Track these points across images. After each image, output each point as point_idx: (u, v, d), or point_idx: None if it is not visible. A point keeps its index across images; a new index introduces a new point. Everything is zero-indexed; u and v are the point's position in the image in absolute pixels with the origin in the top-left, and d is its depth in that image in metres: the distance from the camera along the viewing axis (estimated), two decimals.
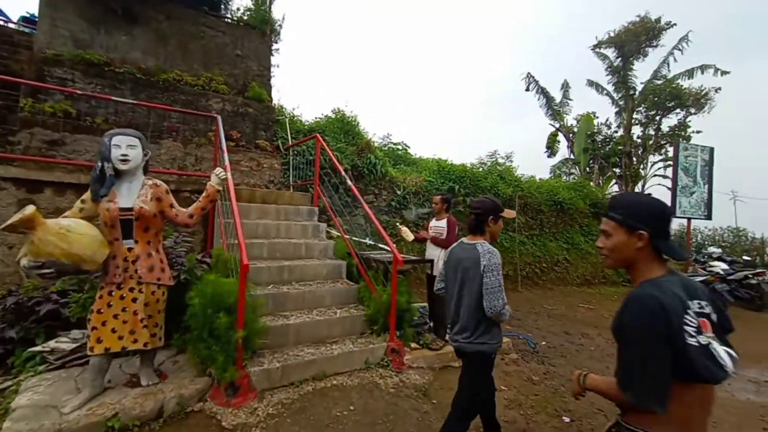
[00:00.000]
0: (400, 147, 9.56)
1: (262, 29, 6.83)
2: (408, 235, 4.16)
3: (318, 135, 5.50)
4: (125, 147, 2.45)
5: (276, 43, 7.46)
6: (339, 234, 4.81)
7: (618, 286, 9.02)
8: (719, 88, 12.75)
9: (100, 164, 2.39)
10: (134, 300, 2.43)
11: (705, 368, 1.00)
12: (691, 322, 1.02)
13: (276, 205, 5.11)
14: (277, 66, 7.86)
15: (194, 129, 5.68)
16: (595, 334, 5.15)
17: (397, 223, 4.28)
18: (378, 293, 3.72)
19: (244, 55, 6.68)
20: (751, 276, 7.50)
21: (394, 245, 3.80)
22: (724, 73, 12.63)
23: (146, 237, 2.53)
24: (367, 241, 4.78)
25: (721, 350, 1.04)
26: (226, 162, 3.78)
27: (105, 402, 2.31)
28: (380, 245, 4.68)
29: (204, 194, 2.80)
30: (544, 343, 4.63)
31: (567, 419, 2.86)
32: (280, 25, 7.24)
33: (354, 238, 4.70)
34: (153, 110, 5.15)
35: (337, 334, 3.53)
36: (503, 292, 2.00)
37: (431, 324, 4.06)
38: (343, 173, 4.75)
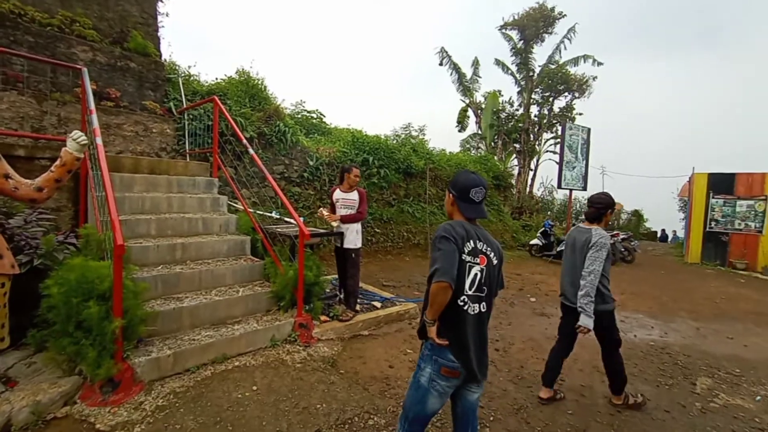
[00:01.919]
0: (314, 115, 9.15)
1: None
2: (333, 218, 3.99)
3: (216, 98, 4.93)
4: None
5: None
6: (242, 207, 4.46)
7: (514, 250, 10.18)
8: (596, 77, 14.72)
9: None
10: None
11: (460, 272, 1.51)
12: (468, 245, 1.54)
13: (168, 175, 4.52)
14: (167, 15, 6.73)
15: (53, 82, 4.62)
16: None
17: (320, 209, 4.08)
18: (284, 269, 3.58)
19: None
20: (611, 237, 9.09)
21: (301, 218, 3.66)
22: (599, 63, 14.56)
23: None
24: (273, 214, 4.53)
25: (474, 272, 1.55)
26: (95, 124, 3.16)
27: None
28: (287, 219, 4.48)
29: (58, 162, 2.27)
30: None
31: None
32: None
33: (258, 212, 4.42)
34: None
35: (239, 314, 3.34)
36: (601, 266, 2.56)
37: (341, 296, 4.09)
38: (244, 141, 4.36)
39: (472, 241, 1.55)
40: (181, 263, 3.54)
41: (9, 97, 4.10)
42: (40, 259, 2.67)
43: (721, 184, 10.03)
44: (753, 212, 9.58)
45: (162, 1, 6.47)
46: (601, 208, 2.71)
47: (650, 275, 8.22)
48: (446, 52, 15.66)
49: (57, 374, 2.37)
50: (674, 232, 17.57)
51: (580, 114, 15.22)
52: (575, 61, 14.78)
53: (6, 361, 2.32)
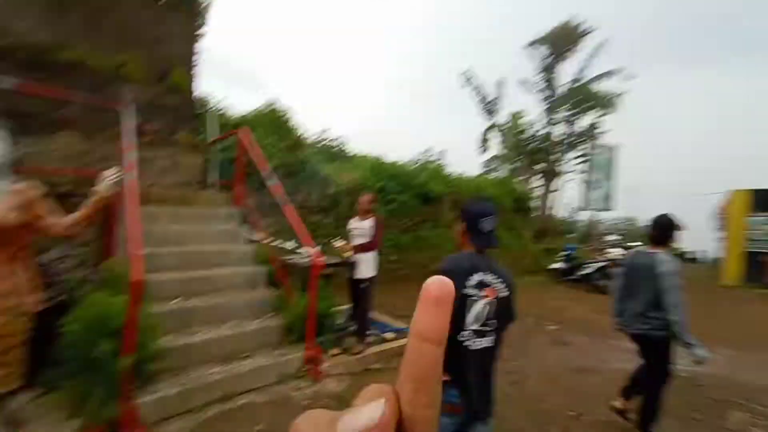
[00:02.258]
0: (335, 144, 9.42)
1: (187, 8, 6.15)
2: (346, 249, 4.05)
3: (242, 130, 5.18)
4: None
5: (202, 26, 6.84)
6: (260, 238, 4.59)
7: (535, 275, 9.80)
8: (625, 92, 14.31)
9: None
10: None
11: (459, 306, 1.47)
12: (473, 279, 1.50)
13: (191, 208, 4.74)
14: (205, 51, 7.22)
15: (100, 120, 5.01)
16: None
17: (333, 242, 4.14)
18: (296, 300, 3.62)
19: (165, 37, 6.00)
20: None
21: (317, 248, 3.70)
22: (631, 77, 14.18)
23: (4, 253, 2.16)
24: (291, 244, 4.62)
25: (478, 307, 1.49)
26: (131, 159, 3.38)
27: None
28: (301, 249, 4.56)
29: (89, 200, 2.45)
30: None
31: None
32: (208, 5, 6.62)
33: (276, 242, 4.53)
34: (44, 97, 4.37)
35: (249, 348, 3.37)
36: (677, 291, 2.42)
37: (353, 328, 4.06)
38: (268, 171, 4.52)
39: (477, 274, 1.52)
40: (198, 295, 3.64)
41: (62, 137, 4.46)
42: (63, 294, 2.84)
43: (763, 200, 9.34)
44: None
45: (198, 41, 6.96)
46: (667, 230, 2.58)
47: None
48: (470, 74, 15.81)
49: (63, 416, 2.40)
50: (705, 252, 16.52)
51: (609, 131, 14.78)
52: (604, 76, 14.47)
53: (19, 401, 2.40)
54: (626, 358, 4.21)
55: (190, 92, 6.12)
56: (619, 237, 10.64)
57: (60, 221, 2.30)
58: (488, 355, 1.55)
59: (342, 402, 3.05)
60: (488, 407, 1.57)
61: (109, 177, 2.46)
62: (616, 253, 8.72)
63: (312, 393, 3.13)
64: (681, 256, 17.33)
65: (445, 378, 1.49)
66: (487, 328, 1.52)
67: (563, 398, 3.27)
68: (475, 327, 1.49)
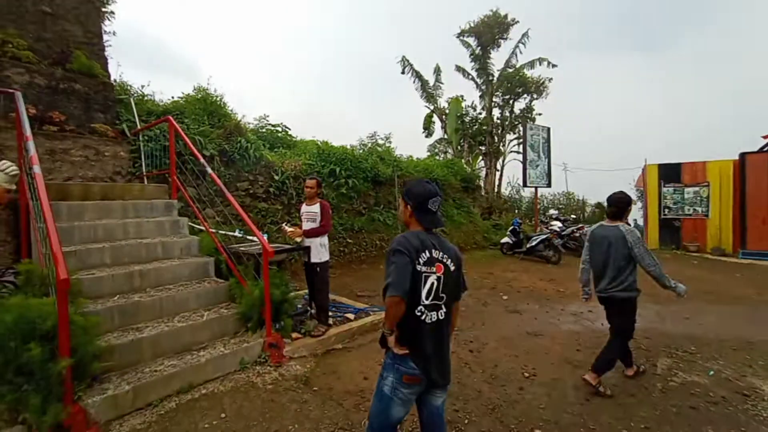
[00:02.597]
0: (279, 129, 9.03)
1: None
2: (296, 234, 3.97)
3: (170, 117, 4.78)
4: None
5: (108, 4, 6.14)
6: (204, 228, 4.32)
7: (486, 250, 10.39)
8: (551, 79, 15.42)
9: None
10: None
11: (413, 282, 1.52)
12: (424, 257, 1.56)
13: (123, 200, 4.33)
14: (113, 33, 6.47)
15: None
16: (464, 295, 5.82)
17: (283, 224, 4.05)
18: (250, 288, 3.48)
19: (59, 14, 5.31)
20: (575, 230, 9.46)
21: (265, 236, 3.58)
22: (553, 65, 15.28)
23: None
24: (236, 233, 4.41)
25: (430, 283, 1.57)
26: (32, 152, 2.98)
27: None
28: (250, 237, 4.38)
29: None
30: None
31: None
32: None
33: (221, 232, 4.29)
34: None
35: (205, 339, 3.20)
36: (648, 251, 2.84)
37: (313, 311, 4.02)
38: (202, 160, 4.24)
39: (427, 251, 1.57)
40: (140, 291, 3.37)
41: None
42: None
43: (670, 173, 10.73)
44: (699, 198, 10.29)
45: (108, 20, 6.25)
46: (622, 206, 3.01)
47: None
48: (408, 61, 15.97)
49: (2, 424, 2.18)
50: (635, 221, 18.57)
51: (540, 114, 15.88)
52: (531, 64, 15.44)
53: None
54: (571, 321, 4.67)
55: (104, 77, 5.50)
56: (557, 211, 11.61)
57: None
58: (443, 326, 1.63)
59: (308, 383, 3.02)
60: (446, 375, 1.66)
61: (6, 170, 2.16)
62: (556, 225, 9.50)
63: (276, 377, 3.06)
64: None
65: (404, 351, 1.56)
66: (440, 302, 1.60)
67: (518, 361, 3.52)
68: (428, 302, 1.56)
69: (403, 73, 16.08)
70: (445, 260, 1.62)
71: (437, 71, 16.42)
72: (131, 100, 5.95)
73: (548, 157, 12.00)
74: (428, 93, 16.36)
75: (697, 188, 10.30)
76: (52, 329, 2.21)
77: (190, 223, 4.52)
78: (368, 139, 10.71)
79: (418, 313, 1.55)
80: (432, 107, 16.63)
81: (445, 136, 16.92)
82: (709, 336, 4.09)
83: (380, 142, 10.48)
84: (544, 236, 8.81)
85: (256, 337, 3.34)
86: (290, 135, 9.11)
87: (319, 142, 8.37)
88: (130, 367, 2.77)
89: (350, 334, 3.96)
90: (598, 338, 4.05)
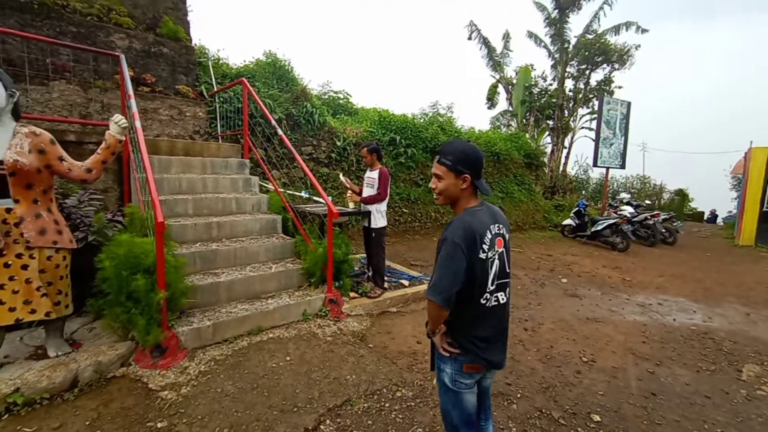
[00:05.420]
0: (341, 95, 9.10)
1: None
2: (353, 199, 4.11)
3: (244, 80, 5.00)
4: None
5: None
6: (273, 188, 4.58)
7: (545, 231, 9.90)
8: (638, 46, 13.61)
9: None
10: (24, 267, 2.13)
11: (481, 273, 1.36)
12: (487, 241, 1.36)
13: (201, 157, 4.69)
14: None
15: (96, 70, 4.83)
16: (522, 275, 5.65)
17: (340, 174, 4.19)
18: (314, 246, 3.68)
19: None
20: (648, 217, 8.62)
21: (329, 198, 3.72)
22: (644, 30, 13.43)
23: (31, 195, 2.17)
24: (303, 194, 4.62)
25: (496, 265, 1.40)
26: (133, 109, 3.31)
27: (1, 378, 2.09)
28: (316, 198, 4.57)
29: (103, 145, 2.43)
30: None
31: None
32: None
33: (289, 192, 4.52)
34: (34, 43, 4.23)
35: (272, 289, 3.48)
36: None
37: (370, 273, 4.16)
38: (273, 122, 4.43)
39: (489, 232, 1.38)
40: (216, 241, 3.71)
41: (58, 86, 4.35)
42: (94, 235, 2.88)
43: None
44: None
45: None
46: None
47: (694, 258, 7.77)
48: (475, 26, 14.99)
49: (114, 339, 2.61)
50: (729, 212, 16.42)
51: (620, 87, 14.25)
52: (616, 30, 13.72)
53: (71, 326, 2.56)
54: (638, 311, 4.36)
55: (186, 41, 5.86)
56: (630, 195, 10.60)
57: (78, 164, 2.32)
58: (506, 307, 1.48)
59: (364, 340, 3.18)
60: (504, 357, 1.51)
61: (119, 122, 2.43)
62: (627, 210, 8.72)
63: (335, 330, 3.27)
64: (699, 216, 17.35)
65: (455, 351, 1.43)
66: (504, 281, 1.44)
67: (575, 345, 3.39)
68: (493, 287, 1.40)
69: (470, 38, 15.17)
70: (502, 231, 1.44)
71: (506, 37, 15.26)
72: (209, 63, 6.30)
73: (625, 135, 10.84)
74: (495, 61, 15.34)
75: None
76: (152, 265, 2.53)
77: (259, 182, 4.81)
78: (429, 109, 10.43)
79: (484, 301, 1.39)
80: (498, 77, 15.64)
81: (510, 108, 15.94)
82: None
83: (441, 112, 10.15)
84: (612, 221, 8.16)
85: (317, 292, 3.56)
86: (351, 102, 9.15)
87: (380, 110, 8.32)
88: (209, 306, 3.11)
89: (404, 300, 4.06)
90: (668, 333, 3.77)
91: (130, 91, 3.59)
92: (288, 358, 2.77)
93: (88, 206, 3.24)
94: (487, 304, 1.40)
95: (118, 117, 2.43)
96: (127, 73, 3.93)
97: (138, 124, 3.18)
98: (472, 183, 1.40)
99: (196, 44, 6.46)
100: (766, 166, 9.26)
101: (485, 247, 1.35)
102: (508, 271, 1.46)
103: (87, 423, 2.01)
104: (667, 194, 16.76)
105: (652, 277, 5.96)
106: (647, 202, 10.71)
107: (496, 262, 1.40)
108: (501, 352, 1.49)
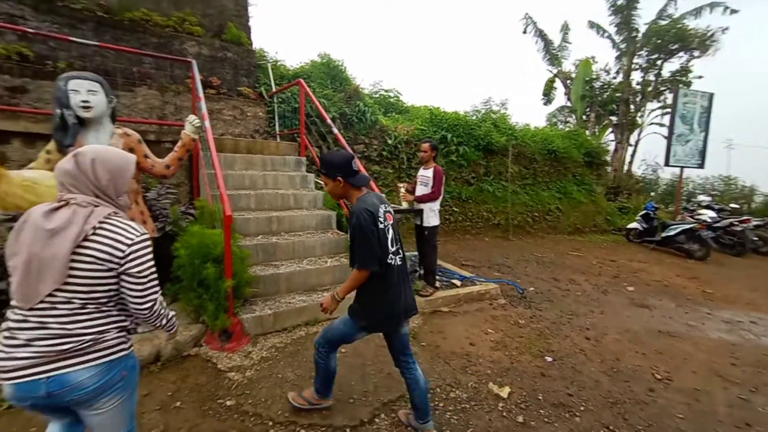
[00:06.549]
0: (391, 94, 9.13)
1: None
2: (407, 198, 4.12)
3: (301, 81, 5.19)
4: (85, 92, 2.24)
5: None
6: None
7: (607, 234, 9.21)
8: (725, 29, 12.11)
9: (59, 111, 2.21)
10: None
11: (383, 238, 1.78)
12: (381, 215, 1.79)
13: (262, 155, 4.95)
14: (256, 5, 7.20)
15: (171, 75, 5.29)
16: (582, 280, 5.29)
17: (399, 185, 4.22)
18: None
19: None
20: (736, 223, 7.65)
21: (384, 196, 3.74)
22: (733, 12, 11.94)
23: None
24: None
25: (390, 233, 1.83)
26: (203, 110, 3.56)
27: None
28: None
29: (179, 144, 2.65)
30: (532, 288, 4.76)
31: (549, 359, 2.99)
32: None
33: None
34: (122, 54, 4.73)
35: (328, 282, 3.58)
36: None
37: (421, 272, 4.12)
38: (329, 121, 4.55)
39: (380, 209, 1.80)
40: (276, 234, 3.89)
41: (141, 91, 4.81)
42: (171, 226, 3.15)
43: None
44: None
45: None
46: None
47: None
48: (531, 18, 14.28)
49: (187, 321, 2.83)
50: None
51: (700, 77, 12.81)
52: (697, 12, 12.34)
53: None
54: (724, 329, 3.90)
55: (248, 45, 6.20)
56: (710, 198, 9.46)
57: (160, 161, 2.54)
58: (405, 265, 1.92)
59: (416, 338, 3.15)
60: (414, 304, 1.95)
61: (193, 122, 2.63)
62: (707, 215, 7.82)
63: None
64: None
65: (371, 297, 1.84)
66: (398, 245, 1.88)
67: (646, 360, 3.10)
68: (393, 249, 1.82)
69: (524, 32, 14.48)
70: (389, 209, 1.89)
71: (564, 29, 14.36)
72: (268, 65, 6.63)
73: (705, 130, 9.67)
74: (552, 54, 14.50)
75: None
76: (220, 255, 2.71)
77: (315, 180, 4.97)
78: (482, 105, 10.13)
79: (390, 261, 1.80)
80: (555, 71, 14.78)
81: (569, 104, 15.01)
82: None
83: (495, 108, 9.82)
84: (687, 226, 7.34)
85: None
86: (402, 101, 9.15)
87: (431, 108, 8.23)
88: (270, 296, 3.27)
89: (456, 300, 3.98)
90: (765, 356, 3.31)
91: (201, 94, 3.87)
92: (343, 350, 2.81)
93: (165, 199, 3.56)
94: (392, 263, 1.81)
95: (192, 117, 2.64)
96: (198, 78, 4.23)
97: (207, 123, 3.42)
98: (346, 181, 1.80)
99: (256, 48, 6.83)
100: None
101: (381, 219, 1.78)
102: (398, 238, 1.90)
103: (169, 394, 2.21)
104: (759, 197, 14.73)
105: (741, 291, 5.28)
106: (733, 205, 9.46)
107: (391, 231, 1.83)
108: (410, 299, 1.92)
